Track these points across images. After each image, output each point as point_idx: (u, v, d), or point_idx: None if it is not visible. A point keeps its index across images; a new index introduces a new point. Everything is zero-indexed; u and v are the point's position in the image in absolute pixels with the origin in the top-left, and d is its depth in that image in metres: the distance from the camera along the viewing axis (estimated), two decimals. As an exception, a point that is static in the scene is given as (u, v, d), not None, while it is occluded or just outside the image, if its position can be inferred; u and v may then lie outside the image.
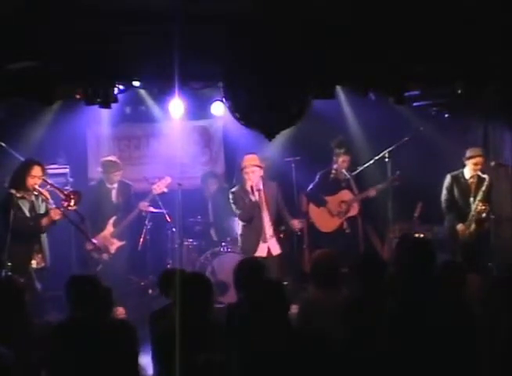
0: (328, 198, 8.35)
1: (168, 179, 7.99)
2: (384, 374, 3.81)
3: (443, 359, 3.77)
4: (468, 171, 7.74)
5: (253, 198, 7.43)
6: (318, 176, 8.40)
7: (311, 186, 8.41)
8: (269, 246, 7.52)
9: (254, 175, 7.40)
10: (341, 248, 7.51)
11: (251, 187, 7.39)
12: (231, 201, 7.56)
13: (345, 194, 8.37)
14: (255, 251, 7.44)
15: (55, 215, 6.70)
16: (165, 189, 7.95)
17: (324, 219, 8.38)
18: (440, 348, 3.77)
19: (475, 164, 7.68)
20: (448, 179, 7.85)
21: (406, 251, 4.39)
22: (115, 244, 7.84)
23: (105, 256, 7.68)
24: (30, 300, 4.71)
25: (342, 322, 4.42)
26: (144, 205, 7.90)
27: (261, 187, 7.44)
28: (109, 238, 7.80)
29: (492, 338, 3.83)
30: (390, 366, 3.77)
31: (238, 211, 7.51)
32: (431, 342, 3.79)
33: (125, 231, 7.96)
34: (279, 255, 7.61)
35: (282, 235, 8.33)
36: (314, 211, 8.45)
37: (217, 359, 3.26)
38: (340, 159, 8.26)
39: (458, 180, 7.79)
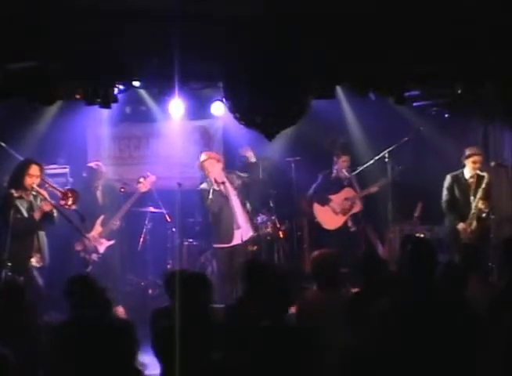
0: (331, 197, 8.47)
1: (153, 178, 8.00)
2: (384, 374, 3.80)
3: (443, 360, 3.77)
4: (468, 171, 7.75)
5: (217, 188, 7.61)
6: (320, 177, 8.51)
7: (314, 186, 8.51)
8: (242, 232, 7.69)
9: (213, 168, 7.69)
10: (347, 246, 7.73)
11: (214, 179, 7.60)
12: (200, 197, 7.73)
13: (348, 192, 8.51)
14: (231, 239, 7.63)
15: (47, 207, 6.71)
16: (149, 187, 7.94)
17: (328, 217, 8.49)
18: (440, 348, 3.77)
19: (474, 163, 7.69)
20: (448, 180, 7.85)
21: (408, 251, 4.40)
22: (104, 244, 7.79)
23: (94, 256, 7.67)
24: (32, 298, 4.70)
25: (342, 322, 4.42)
26: (115, 224, 7.89)
27: (225, 179, 7.67)
28: (98, 238, 7.77)
29: (493, 339, 3.83)
30: (390, 366, 3.77)
31: (207, 204, 7.63)
32: (431, 342, 3.78)
33: (115, 231, 7.92)
34: (251, 238, 7.81)
35: (282, 235, 8.37)
36: (318, 209, 8.55)
37: (217, 358, 3.26)
38: (340, 160, 8.39)
39: (458, 180, 7.80)
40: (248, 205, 7.93)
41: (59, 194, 6.87)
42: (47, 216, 6.80)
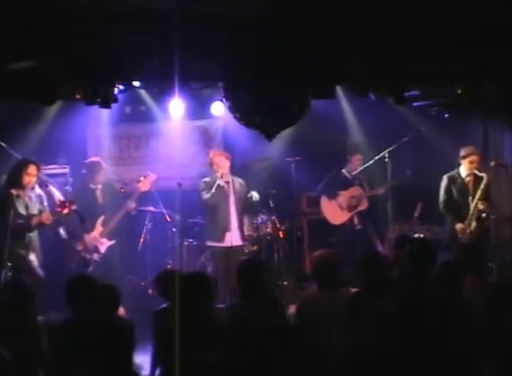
0: (339, 193, 8.59)
1: (153, 176, 7.99)
2: (384, 374, 3.81)
3: (443, 360, 3.77)
4: (464, 170, 7.70)
5: (221, 183, 7.65)
6: (329, 174, 8.62)
7: (321, 184, 8.63)
8: (232, 236, 7.73)
9: (223, 163, 7.76)
10: (350, 243, 7.96)
11: (222, 174, 7.67)
12: (200, 188, 7.79)
13: (355, 190, 8.63)
14: (223, 239, 7.70)
15: (47, 219, 6.82)
16: (150, 186, 7.93)
17: (334, 212, 8.62)
18: (440, 348, 3.77)
19: (471, 163, 7.64)
20: (445, 180, 7.80)
21: (404, 251, 4.41)
22: (105, 244, 7.81)
23: (95, 256, 7.69)
24: (32, 297, 4.70)
25: (342, 322, 4.42)
26: (131, 206, 7.88)
27: (230, 180, 7.76)
28: (99, 238, 7.78)
29: (493, 339, 3.83)
30: (390, 366, 3.77)
31: (206, 196, 7.69)
32: (431, 342, 3.79)
33: (115, 230, 7.92)
34: (240, 247, 7.86)
35: (282, 235, 8.40)
36: (325, 203, 8.68)
37: (217, 358, 3.27)
38: (354, 158, 8.56)
39: (455, 180, 7.75)
40: (256, 195, 8.03)
41: (57, 202, 6.95)
42: (43, 224, 6.90)
